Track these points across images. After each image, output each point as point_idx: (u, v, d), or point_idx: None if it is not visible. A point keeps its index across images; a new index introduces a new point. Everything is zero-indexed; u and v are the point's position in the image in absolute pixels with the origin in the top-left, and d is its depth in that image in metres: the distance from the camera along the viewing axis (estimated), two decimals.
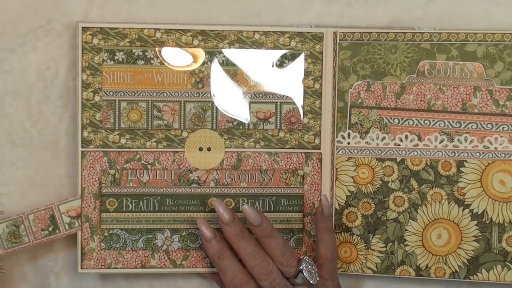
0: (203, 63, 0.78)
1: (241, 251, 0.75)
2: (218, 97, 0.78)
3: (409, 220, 0.80)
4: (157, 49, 0.77)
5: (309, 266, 0.76)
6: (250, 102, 0.79)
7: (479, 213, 0.79)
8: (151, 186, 0.78)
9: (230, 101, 0.79)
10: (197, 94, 0.78)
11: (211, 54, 0.78)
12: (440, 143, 0.79)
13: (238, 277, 0.75)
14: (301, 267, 0.75)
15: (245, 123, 0.79)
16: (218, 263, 0.76)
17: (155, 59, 0.78)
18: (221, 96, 0.78)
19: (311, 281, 0.75)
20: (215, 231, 0.76)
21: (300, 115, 0.79)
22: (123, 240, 0.78)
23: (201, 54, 0.78)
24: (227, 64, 0.79)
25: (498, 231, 0.79)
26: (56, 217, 0.78)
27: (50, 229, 0.78)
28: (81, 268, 0.78)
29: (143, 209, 0.79)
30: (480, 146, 0.79)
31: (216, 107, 0.79)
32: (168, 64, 0.78)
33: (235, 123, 0.79)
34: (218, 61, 0.78)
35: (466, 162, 0.79)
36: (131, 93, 0.78)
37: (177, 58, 0.78)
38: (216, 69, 0.78)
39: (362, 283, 0.83)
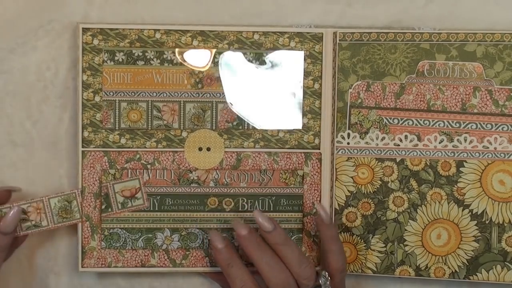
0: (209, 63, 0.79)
1: (259, 262, 0.74)
2: (229, 96, 0.78)
3: (409, 220, 0.80)
4: (177, 50, 0.78)
5: (327, 283, 0.76)
6: None
7: (478, 213, 0.79)
8: (151, 185, 0.79)
9: (240, 99, 0.79)
10: (197, 94, 0.79)
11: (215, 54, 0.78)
12: (439, 143, 0.79)
13: (246, 285, 0.75)
14: (318, 283, 0.75)
15: (245, 123, 0.79)
16: (227, 271, 0.76)
17: (155, 59, 0.78)
18: (232, 95, 0.79)
19: None
20: (225, 239, 0.76)
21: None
22: (123, 239, 0.79)
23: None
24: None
25: (498, 231, 0.79)
26: (110, 196, 0.78)
27: (103, 207, 0.78)
28: (82, 267, 0.78)
29: (143, 209, 0.79)
30: (479, 146, 0.79)
31: (217, 107, 0.79)
32: (189, 64, 0.78)
33: (234, 123, 0.79)
34: (217, 61, 0.79)
35: (466, 162, 0.79)
36: (131, 93, 0.78)
37: (196, 58, 0.78)
38: (224, 68, 0.79)
39: (362, 283, 0.83)
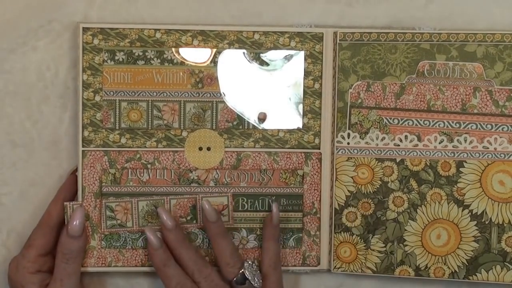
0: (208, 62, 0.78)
1: (183, 257, 0.76)
2: (229, 96, 0.78)
3: (409, 220, 0.80)
4: (173, 49, 0.78)
5: (252, 269, 0.77)
6: None
7: (478, 213, 0.79)
8: (151, 185, 0.79)
9: (240, 98, 0.79)
10: (197, 94, 0.79)
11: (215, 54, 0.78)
12: (439, 143, 0.79)
13: (182, 283, 0.75)
14: (243, 269, 0.76)
15: (245, 123, 0.79)
16: (163, 271, 0.76)
17: (155, 59, 0.78)
18: (231, 94, 0.79)
19: (253, 283, 0.76)
20: (161, 240, 0.77)
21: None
22: (124, 239, 0.79)
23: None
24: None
25: (498, 231, 0.79)
26: (197, 208, 0.79)
27: (188, 218, 0.78)
28: (82, 266, 0.78)
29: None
30: (479, 147, 0.79)
31: (217, 107, 0.79)
32: (188, 62, 0.78)
33: (234, 122, 0.79)
34: (217, 61, 0.79)
35: (466, 162, 0.79)
36: (131, 93, 0.78)
37: (196, 57, 0.78)
38: (222, 68, 0.78)
39: (361, 283, 0.83)
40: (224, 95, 0.78)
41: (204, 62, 0.78)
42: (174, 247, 0.76)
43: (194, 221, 0.79)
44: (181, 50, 0.78)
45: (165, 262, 0.76)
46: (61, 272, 0.75)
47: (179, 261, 0.77)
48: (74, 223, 0.75)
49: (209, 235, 0.78)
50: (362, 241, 0.81)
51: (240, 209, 0.80)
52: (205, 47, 0.78)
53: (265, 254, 0.78)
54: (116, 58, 0.78)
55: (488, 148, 0.79)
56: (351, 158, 0.80)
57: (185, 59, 0.78)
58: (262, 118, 0.79)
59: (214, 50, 0.78)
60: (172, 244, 0.77)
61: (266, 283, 0.78)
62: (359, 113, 0.80)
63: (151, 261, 0.77)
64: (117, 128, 0.78)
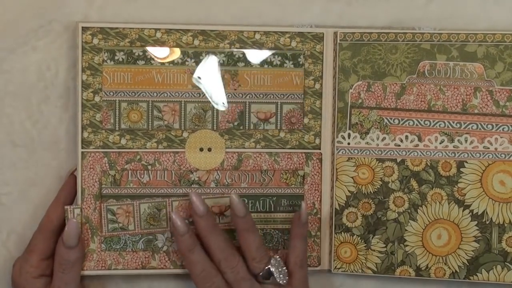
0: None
1: (211, 245, 0.75)
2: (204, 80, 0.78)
3: (409, 221, 0.80)
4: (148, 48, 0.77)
5: (278, 265, 0.76)
6: (251, 103, 0.79)
7: (479, 213, 0.80)
8: (151, 187, 0.78)
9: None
10: (198, 95, 0.78)
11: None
12: (440, 143, 0.79)
13: (206, 271, 0.75)
14: (270, 265, 0.76)
15: (246, 123, 0.79)
16: (188, 257, 0.75)
17: (155, 59, 0.77)
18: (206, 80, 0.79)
19: (279, 280, 0.76)
20: (188, 225, 0.76)
21: (300, 115, 0.79)
22: (124, 241, 0.78)
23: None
24: (227, 64, 0.78)
25: (498, 231, 0.79)
26: None
27: (191, 219, 0.78)
28: (82, 269, 0.77)
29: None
30: (480, 147, 0.79)
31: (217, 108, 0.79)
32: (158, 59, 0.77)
33: (235, 123, 0.79)
34: (219, 61, 0.78)
35: (466, 162, 0.79)
36: (131, 93, 0.78)
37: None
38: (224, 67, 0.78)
39: (362, 283, 0.83)
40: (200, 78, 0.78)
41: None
42: (204, 234, 0.76)
43: None
44: (181, 50, 0.78)
45: (191, 247, 0.75)
46: (58, 281, 0.75)
47: (207, 249, 0.76)
48: (69, 233, 0.74)
49: (236, 229, 0.77)
50: (362, 241, 0.81)
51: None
52: (206, 47, 0.78)
53: (292, 252, 0.78)
54: (116, 58, 0.77)
55: (488, 148, 0.79)
56: (351, 158, 0.80)
57: (185, 59, 0.78)
58: (263, 118, 0.79)
59: (215, 50, 0.78)
60: (201, 231, 0.76)
61: (291, 281, 0.77)
62: (359, 113, 0.80)
63: (176, 247, 0.77)
64: (117, 129, 0.78)
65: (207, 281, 0.75)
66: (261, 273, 0.76)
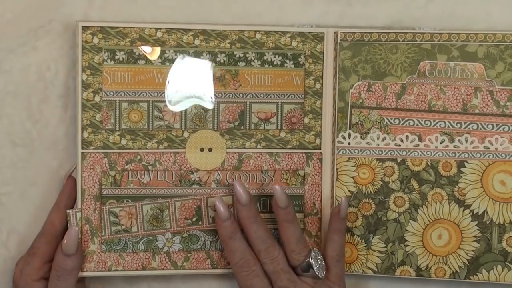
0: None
1: (252, 234, 0.76)
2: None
3: (410, 221, 0.80)
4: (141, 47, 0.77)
5: (318, 258, 0.76)
6: (251, 102, 0.79)
7: (479, 213, 0.80)
8: (152, 187, 0.78)
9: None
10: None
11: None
12: (440, 143, 0.79)
13: (245, 259, 0.75)
14: (309, 257, 0.75)
15: (247, 123, 0.79)
16: (228, 244, 0.76)
17: (156, 58, 0.77)
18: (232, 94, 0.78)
19: (318, 273, 0.75)
20: (231, 212, 0.76)
21: (301, 115, 0.79)
22: (124, 242, 0.78)
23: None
24: (228, 64, 0.78)
25: (499, 231, 0.79)
26: (202, 209, 0.78)
27: (194, 219, 0.78)
28: (82, 270, 0.77)
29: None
30: (480, 147, 0.79)
31: (218, 108, 0.78)
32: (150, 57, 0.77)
33: (236, 123, 0.79)
34: (220, 60, 0.78)
35: (467, 162, 0.79)
36: (131, 93, 0.77)
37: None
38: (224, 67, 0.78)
39: (362, 283, 0.83)
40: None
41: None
42: (246, 223, 0.76)
43: (200, 223, 0.78)
44: (181, 49, 0.77)
45: (231, 234, 0.75)
46: (53, 287, 0.74)
47: (248, 238, 0.76)
48: (68, 241, 0.74)
49: (277, 220, 0.77)
50: (363, 241, 0.81)
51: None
52: (206, 47, 0.78)
53: (330, 246, 0.78)
54: (116, 57, 0.77)
55: (489, 148, 0.79)
56: (352, 158, 0.80)
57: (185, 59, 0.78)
58: (264, 118, 0.79)
59: (216, 49, 0.78)
60: (244, 219, 0.76)
61: (328, 275, 0.77)
62: (360, 113, 0.80)
63: (218, 233, 0.77)
64: (117, 129, 0.77)
65: (245, 269, 0.75)
66: (300, 265, 0.76)
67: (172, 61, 0.77)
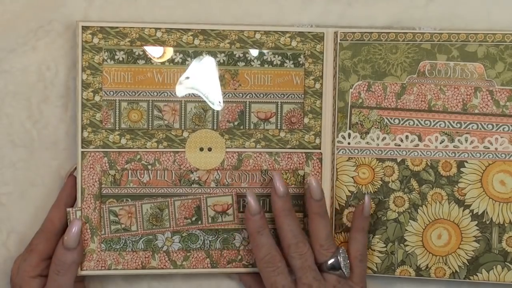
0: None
1: (285, 227, 0.75)
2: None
3: (409, 220, 0.80)
4: (144, 47, 0.77)
5: (345, 257, 0.76)
6: (251, 102, 0.79)
7: (479, 213, 0.79)
8: (151, 186, 0.78)
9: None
10: (195, 95, 0.78)
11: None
12: (440, 143, 0.79)
13: (271, 255, 0.75)
14: (338, 255, 0.75)
15: (247, 123, 0.79)
16: (255, 238, 0.75)
17: (155, 58, 0.77)
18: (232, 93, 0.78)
19: (345, 272, 0.75)
20: (260, 206, 0.76)
21: (301, 115, 0.79)
22: (124, 241, 0.78)
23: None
24: (227, 64, 0.78)
25: (498, 231, 0.79)
26: (201, 208, 0.78)
27: (193, 219, 0.78)
28: (81, 269, 0.77)
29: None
30: (480, 147, 0.79)
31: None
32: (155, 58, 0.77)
33: (235, 123, 0.79)
34: (219, 60, 0.78)
35: (467, 162, 0.79)
36: (131, 93, 0.78)
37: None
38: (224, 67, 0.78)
39: None
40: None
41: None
42: (279, 215, 0.76)
43: (199, 222, 0.79)
44: (181, 49, 0.78)
45: (260, 229, 0.75)
46: (51, 283, 0.74)
47: (279, 231, 0.76)
48: (70, 235, 0.74)
49: (309, 212, 0.77)
50: None
51: (241, 210, 0.79)
52: (206, 47, 0.78)
53: (353, 246, 0.77)
54: (116, 57, 0.77)
55: (489, 148, 0.79)
56: (351, 158, 0.80)
57: (185, 59, 0.78)
58: (263, 118, 0.79)
59: (215, 49, 0.78)
60: (278, 211, 0.76)
61: (351, 275, 0.76)
62: (359, 113, 0.80)
63: (246, 226, 0.77)
64: (117, 128, 0.78)
65: (270, 265, 0.75)
66: (328, 262, 0.75)
67: (172, 61, 0.77)
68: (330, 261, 0.75)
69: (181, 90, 0.78)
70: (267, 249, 0.75)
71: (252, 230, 0.76)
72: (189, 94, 0.78)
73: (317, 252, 0.76)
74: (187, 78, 0.78)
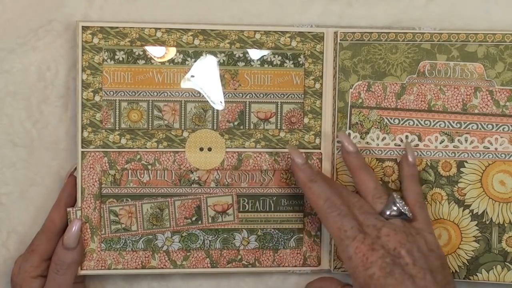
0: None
1: (364, 182, 0.74)
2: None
3: None
4: (145, 47, 0.77)
5: (401, 199, 0.73)
6: (251, 102, 0.79)
7: (479, 213, 0.80)
8: (151, 186, 0.78)
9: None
10: (198, 94, 0.78)
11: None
12: (440, 143, 0.79)
13: (331, 200, 0.72)
14: (391, 199, 0.73)
15: (246, 123, 0.79)
16: (310, 187, 0.73)
17: (155, 58, 0.77)
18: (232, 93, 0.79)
19: (403, 210, 0.72)
20: (306, 158, 0.76)
21: (301, 115, 0.79)
22: (124, 241, 0.78)
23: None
24: (227, 64, 0.78)
25: (498, 231, 0.79)
26: (202, 208, 0.78)
27: (193, 218, 0.78)
28: (81, 269, 0.78)
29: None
30: (480, 147, 0.79)
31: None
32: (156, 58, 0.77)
33: (235, 123, 0.79)
34: (219, 60, 0.78)
35: (467, 162, 0.79)
36: (131, 93, 0.78)
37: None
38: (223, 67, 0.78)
39: None
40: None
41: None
42: (355, 169, 0.75)
43: (199, 222, 0.79)
44: (181, 49, 0.78)
45: (312, 177, 0.74)
46: (50, 282, 0.75)
47: (358, 186, 0.75)
48: (70, 234, 0.75)
49: (350, 169, 0.76)
50: None
51: (241, 209, 0.79)
52: (206, 47, 0.78)
53: (408, 194, 0.75)
54: (116, 57, 0.77)
55: (489, 148, 0.79)
56: None
57: (186, 59, 0.78)
58: (263, 118, 0.79)
59: (215, 49, 0.78)
60: (353, 166, 0.75)
61: (414, 223, 0.73)
62: (359, 113, 0.80)
63: (296, 180, 0.76)
64: (117, 128, 0.78)
65: (334, 209, 0.72)
66: (386, 208, 0.72)
67: (172, 61, 0.78)
68: (388, 206, 0.73)
69: (186, 86, 0.77)
70: (325, 195, 0.72)
71: (304, 180, 0.74)
72: (193, 90, 0.78)
73: (373, 203, 0.74)
74: (192, 76, 0.78)
